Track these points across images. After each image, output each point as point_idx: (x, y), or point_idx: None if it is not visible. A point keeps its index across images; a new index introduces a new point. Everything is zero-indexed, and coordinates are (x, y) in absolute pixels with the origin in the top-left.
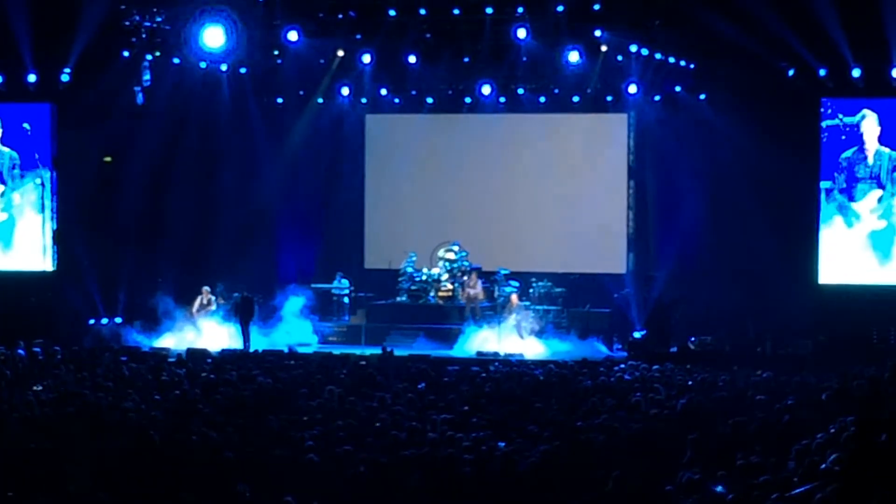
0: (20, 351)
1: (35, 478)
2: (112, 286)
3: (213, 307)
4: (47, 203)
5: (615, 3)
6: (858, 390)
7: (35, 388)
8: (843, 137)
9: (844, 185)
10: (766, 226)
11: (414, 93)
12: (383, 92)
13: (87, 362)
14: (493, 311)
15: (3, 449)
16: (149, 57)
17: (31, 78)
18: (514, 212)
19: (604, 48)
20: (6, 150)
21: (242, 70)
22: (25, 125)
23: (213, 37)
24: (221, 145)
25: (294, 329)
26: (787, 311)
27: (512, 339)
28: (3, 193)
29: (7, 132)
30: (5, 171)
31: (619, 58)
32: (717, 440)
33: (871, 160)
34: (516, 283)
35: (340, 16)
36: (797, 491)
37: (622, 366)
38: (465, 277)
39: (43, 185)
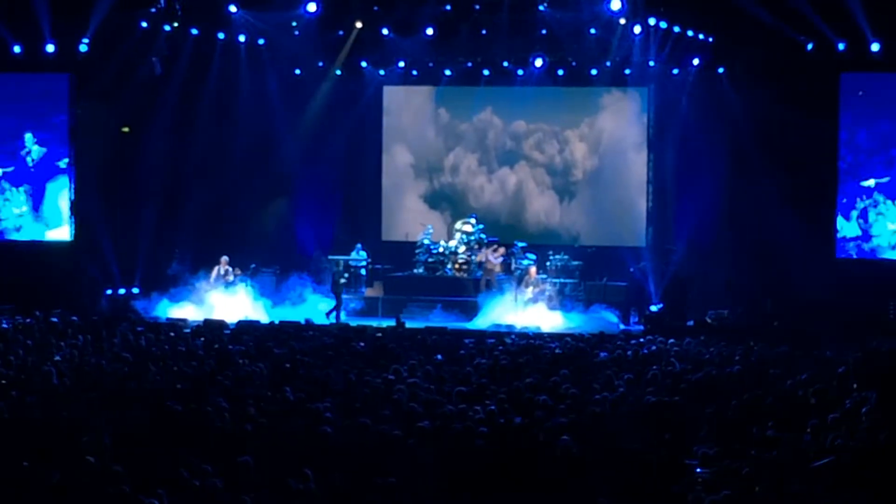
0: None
1: (52, 448)
2: (129, 256)
3: (231, 277)
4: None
5: None
6: (876, 365)
7: (55, 358)
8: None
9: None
10: (784, 200)
11: (431, 65)
12: (401, 64)
13: (104, 333)
14: (510, 283)
15: (21, 419)
16: (167, 27)
17: (50, 48)
18: (531, 185)
19: (622, 21)
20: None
21: (260, 41)
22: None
23: None
24: (239, 117)
25: (318, 301)
26: (803, 286)
27: (529, 311)
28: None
29: (26, 102)
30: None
31: (638, 30)
32: (733, 414)
33: None
34: (533, 256)
35: None
36: (813, 465)
37: (641, 340)
38: (487, 248)
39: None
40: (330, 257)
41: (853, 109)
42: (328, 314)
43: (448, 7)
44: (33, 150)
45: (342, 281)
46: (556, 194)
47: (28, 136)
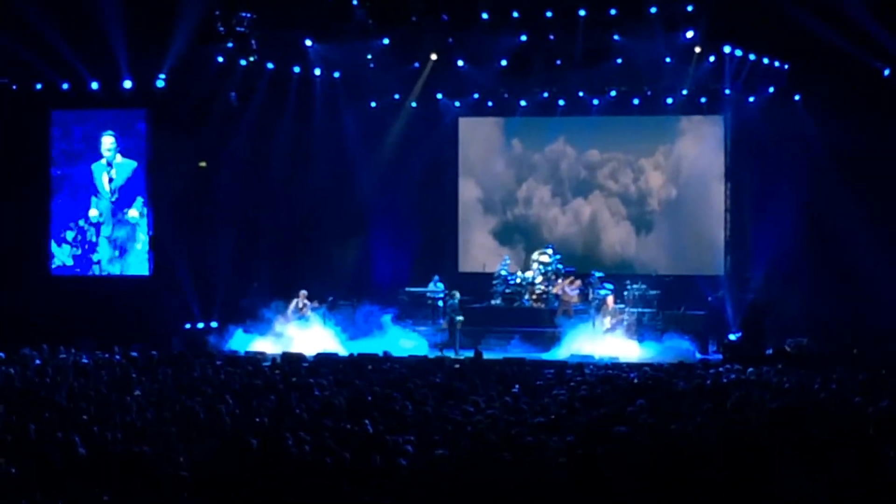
0: (117, 356)
1: (133, 483)
2: (208, 290)
3: (308, 311)
4: (144, 209)
5: (708, 3)
6: None
7: (135, 392)
8: None
9: None
10: (862, 226)
11: (507, 96)
12: (476, 95)
13: (183, 367)
14: (587, 313)
15: (101, 454)
16: (243, 62)
17: (127, 84)
18: (606, 215)
19: (697, 49)
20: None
21: (336, 74)
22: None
23: None
24: (315, 150)
25: (398, 335)
26: (884, 313)
27: (608, 341)
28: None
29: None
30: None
31: (713, 59)
32: (814, 442)
33: None
34: (611, 286)
35: (433, 19)
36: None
37: (720, 369)
38: (563, 280)
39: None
40: (407, 289)
41: None
42: (442, 347)
43: (523, 38)
44: (116, 163)
45: (455, 312)
46: (631, 224)
47: (111, 144)
